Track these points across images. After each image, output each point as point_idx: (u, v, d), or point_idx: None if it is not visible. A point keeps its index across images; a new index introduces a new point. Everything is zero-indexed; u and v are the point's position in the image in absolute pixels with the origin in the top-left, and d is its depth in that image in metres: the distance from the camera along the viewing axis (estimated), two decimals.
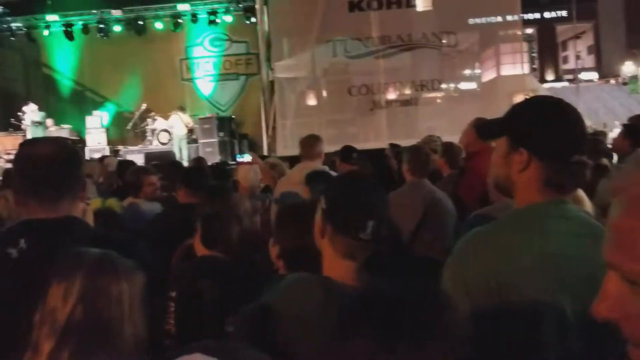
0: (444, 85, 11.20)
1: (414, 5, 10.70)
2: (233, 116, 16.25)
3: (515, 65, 11.81)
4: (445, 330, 0.98)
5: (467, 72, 11.78)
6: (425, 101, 11.04)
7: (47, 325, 1.34)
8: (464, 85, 11.76)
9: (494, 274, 1.39)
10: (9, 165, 12.78)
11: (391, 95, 10.90)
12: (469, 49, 11.63)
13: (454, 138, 5.58)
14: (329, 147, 8.61)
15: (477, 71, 11.88)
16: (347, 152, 5.65)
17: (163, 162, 8.25)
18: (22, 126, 13.43)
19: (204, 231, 2.75)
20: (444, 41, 10.96)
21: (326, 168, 4.59)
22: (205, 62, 17.42)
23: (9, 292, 1.57)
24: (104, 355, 1.32)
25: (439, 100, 11.32)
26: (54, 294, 1.36)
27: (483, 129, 1.92)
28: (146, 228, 3.78)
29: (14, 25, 16.64)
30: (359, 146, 5.98)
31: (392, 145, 6.83)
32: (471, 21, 11.47)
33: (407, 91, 10.92)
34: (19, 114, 13.45)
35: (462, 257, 1.51)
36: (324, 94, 11.40)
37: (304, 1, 10.91)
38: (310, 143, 4.58)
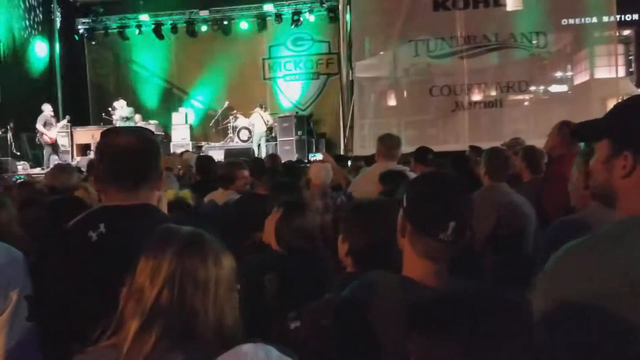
0: (532, 88, 10.69)
1: (503, 5, 10.30)
2: (311, 115, 16.37)
3: (610, 68, 11.12)
4: (523, 334, 1.00)
5: (558, 74, 11.19)
6: (511, 103, 10.59)
7: (133, 301, 1.33)
8: (554, 88, 11.18)
9: (600, 290, 1.22)
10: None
11: (475, 96, 10.53)
12: (560, 50, 11.07)
13: (542, 142, 5.28)
14: (407, 148, 8.40)
15: (569, 74, 11.26)
16: (422, 153, 5.47)
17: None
18: (113, 121, 14.07)
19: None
20: (534, 42, 10.49)
21: (407, 169, 4.45)
22: (287, 62, 17.66)
23: (88, 273, 1.63)
24: (188, 342, 1.31)
25: (526, 103, 10.82)
26: (143, 270, 1.35)
27: (581, 130, 1.74)
28: (220, 217, 3.80)
29: (107, 24, 17.53)
30: (439, 148, 5.78)
31: (473, 148, 6.57)
32: (564, 22, 10.90)
33: (492, 93, 10.51)
34: (110, 109, 14.12)
35: (560, 272, 1.34)
36: (404, 94, 11.19)
37: (387, 1, 10.76)
38: (391, 144, 4.45)
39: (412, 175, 4.12)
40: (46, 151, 13.28)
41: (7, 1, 15.34)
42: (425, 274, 1.56)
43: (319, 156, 12.53)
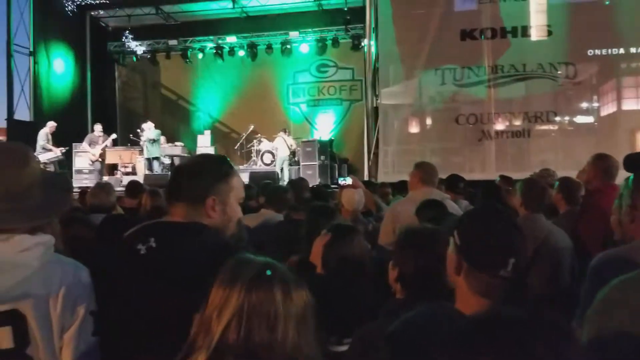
0: (559, 118, 10.64)
1: (530, 35, 10.35)
2: (334, 140, 16.48)
3: (637, 100, 11.05)
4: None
5: (585, 105, 11.13)
6: (538, 133, 10.53)
7: (203, 332, 1.33)
8: (580, 119, 11.12)
9: None
10: (127, 177, 13.67)
11: (501, 125, 10.51)
12: (586, 80, 11.03)
13: (569, 173, 5.26)
14: None
15: (595, 104, 11.21)
16: (454, 181, 5.47)
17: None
18: (140, 142, 14.29)
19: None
20: (560, 72, 10.48)
21: (447, 196, 4.43)
22: (310, 87, 17.88)
23: (134, 286, 1.67)
24: None
25: (553, 134, 10.75)
26: (213, 300, 1.35)
27: (634, 161, 1.75)
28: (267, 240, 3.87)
29: (137, 48, 17.94)
30: (465, 177, 5.77)
31: (503, 177, 6.56)
32: (590, 52, 10.89)
33: (519, 122, 10.47)
34: (138, 130, 14.35)
35: (613, 307, 1.35)
36: (429, 121, 11.20)
37: (414, 29, 10.85)
38: (432, 170, 4.43)
39: (451, 204, 4.14)
40: (95, 169, 13.66)
41: (42, 23, 15.81)
42: (479, 311, 1.51)
43: (348, 181, 12.56)
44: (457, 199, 4.90)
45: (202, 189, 1.80)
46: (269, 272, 1.36)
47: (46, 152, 12.98)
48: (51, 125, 13.27)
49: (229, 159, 2.01)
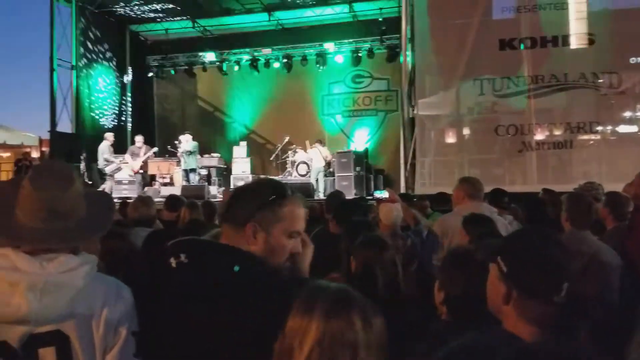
0: (600, 128, 10.36)
1: (572, 44, 10.13)
2: (370, 151, 16.42)
3: None
4: None
5: (628, 114, 10.81)
6: (580, 144, 10.25)
7: None
8: (623, 129, 10.79)
9: None
10: (165, 188, 13.88)
11: (542, 136, 10.28)
12: (630, 89, 10.71)
13: (613, 185, 5.11)
14: None
15: (639, 114, 10.89)
16: (498, 196, 5.35)
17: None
18: (177, 154, 14.50)
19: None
20: (602, 81, 10.21)
21: (494, 210, 4.32)
22: (346, 98, 17.89)
23: (164, 299, 1.67)
24: None
25: (595, 144, 10.47)
26: (292, 329, 1.34)
27: None
28: None
29: (175, 61, 18.28)
30: (505, 189, 5.64)
31: (546, 191, 6.39)
32: (632, 60, 10.59)
33: (561, 133, 10.23)
34: (176, 142, 14.56)
35: None
36: (468, 132, 11.04)
37: (451, 39, 10.73)
38: (479, 185, 4.35)
39: (500, 219, 4.03)
40: (136, 180, 13.87)
41: (83, 38, 16.25)
42: (530, 340, 1.47)
43: (384, 194, 12.47)
44: (501, 213, 4.78)
45: (245, 214, 1.73)
46: (348, 299, 1.36)
47: (110, 164, 13.57)
48: (110, 137, 13.71)
49: (287, 186, 1.83)
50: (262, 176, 15.19)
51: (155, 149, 14.69)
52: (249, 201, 1.76)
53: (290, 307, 1.43)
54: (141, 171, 14.04)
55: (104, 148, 13.70)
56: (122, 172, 14.38)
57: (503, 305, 1.51)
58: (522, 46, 10.29)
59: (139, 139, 14.27)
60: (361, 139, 17.45)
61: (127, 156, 14.05)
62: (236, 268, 1.60)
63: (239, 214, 1.74)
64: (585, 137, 10.26)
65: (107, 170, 13.60)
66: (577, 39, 10.32)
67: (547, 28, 10.32)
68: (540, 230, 1.63)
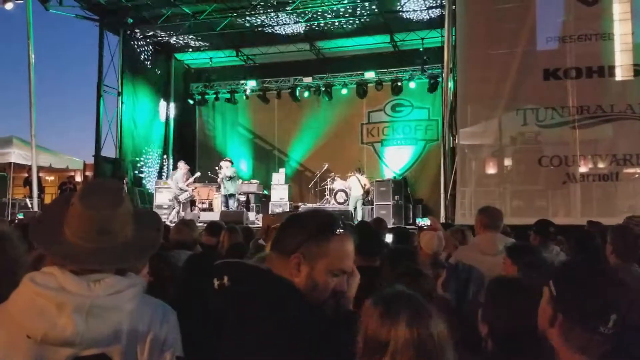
0: None
1: (618, 75, 9.91)
2: (409, 180, 16.32)
3: None
4: None
5: None
6: (627, 177, 9.92)
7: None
8: None
9: None
10: (204, 213, 14.06)
11: (586, 168, 10.01)
12: None
13: None
14: (513, 219, 8.17)
15: None
16: (544, 226, 5.22)
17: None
18: (218, 180, 14.71)
19: None
20: None
21: (510, 240, 4.27)
22: (385, 127, 17.91)
23: (203, 318, 1.67)
24: None
25: None
26: (377, 334, 1.45)
27: None
28: None
29: (218, 89, 18.70)
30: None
31: (592, 223, 6.21)
32: None
33: (606, 165, 9.95)
34: (217, 168, 14.79)
35: None
36: (510, 163, 10.84)
37: (494, 69, 10.62)
38: (496, 215, 4.31)
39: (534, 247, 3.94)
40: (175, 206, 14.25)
41: (130, 65, 16.79)
42: None
43: (426, 222, 12.35)
44: (547, 243, 4.67)
45: (292, 243, 1.67)
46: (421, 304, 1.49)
47: (184, 193, 14.13)
48: (183, 165, 14.36)
49: (341, 221, 1.74)
50: (318, 206, 15.25)
51: (198, 174, 14.95)
52: (299, 231, 1.70)
53: (324, 345, 1.48)
54: (181, 193, 14.31)
55: (179, 177, 14.22)
56: (162, 196, 14.68)
57: (549, 328, 1.52)
58: (566, 76, 10.10)
59: (182, 164, 14.56)
60: (400, 168, 17.39)
61: (169, 181, 14.38)
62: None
63: (287, 242, 1.69)
64: (632, 170, 9.93)
65: (181, 198, 14.18)
66: (622, 70, 10.09)
67: (593, 58, 10.14)
68: (595, 261, 1.62)
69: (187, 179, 14.31)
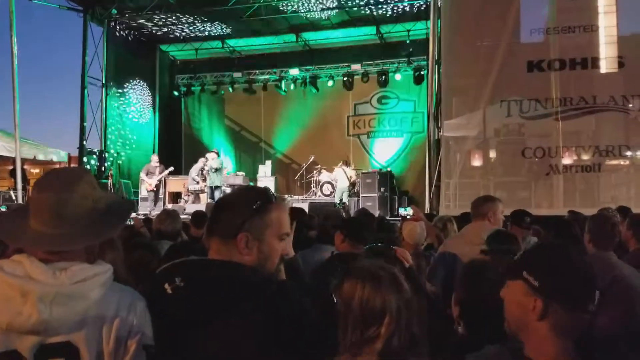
0: (630, 153, 10.14)
1: (601, 67, 9.99)
2: (394, 172, 16.37)
3: None
4: None
5: None
6: (609, 168, 10.03)
7: (363, 329, 1.67)
8: None
9: None
10: (191, 205, 14.02)
11: (570, 160, 10.10)
12: None
13: None
14: None
15: None
16: (520, 216, 5.27)
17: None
18: (204, 172, 14.65)
19: None
20: (631, 105, 10.03)
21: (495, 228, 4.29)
22: (371, 119, 17.92)
23: (160, 326, 1.61)
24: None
25: (624, 169, 10.23)
26: (369, 300, 1.67)
27: None
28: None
29: (203, 80, 18.59)
30: (531, 212, 5.55)
31: (572, 213, 6.28)
32: None
33: (589, 156, 10.03)
34: (203, 159, 14.72)
35: None
36: (494, 154, 10.90)
37: (479, 61, 10.65)
38: (479, 203, 4.35)
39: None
40: (149, 198, 14.16)
41: (114, 57, 16.64)
42: (561, 354, 1.43)
43: (409, 211, 12.41)
44: (524, 235, 4.70)
45: (233, 225, 1.68)
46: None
47: (195, 184, 14.57)
48: (202, 159, 14.56)
49: (270, 191, 1.83)
50: (304, 198, 15.30)
51: (171, 168, 14.88)
52: (236, 212, 1.71)
53: (288, 310, 1.56)
54: (154, 190, 14.26)
55: (196, 168, 14.72)
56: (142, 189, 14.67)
57: (534, 322, 1.45)
58: (550, 68, 10.15)
59: (154, 158, 14.60)
60: (386, 160, 17.44)
61: (142, 174, 14.37)
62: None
63: (227, 226, 1.70)
64: (614, 161, 10.03)
65: (190, 188, 14.60)
66: (607, 62, 10.15)
67: (577, 50, 10.21)
68: (559, 243, 1.62)
69: (161, 172, 14.28)
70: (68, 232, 1.54)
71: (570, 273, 1.44)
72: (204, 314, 1.58)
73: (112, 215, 1.65)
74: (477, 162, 10.99)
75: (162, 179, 14.52)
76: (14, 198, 14.21)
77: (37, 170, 20.52)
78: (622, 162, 10.10)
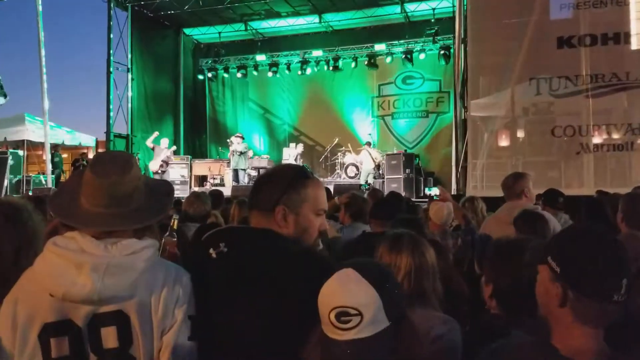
0: None
1: (631, 43, 9.69)
2: (419, 154, 16.23)
3: None
4: None
5: None
6: None
7: None
8: None
9: None
10: (216, 187, 14.10)
11: (600, 138, 9.86)
12: None
13: None
14: None
15: None
16: (552, 196, 5.17)
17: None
18: (228, 154, 14.72)
19: None
20: None
21: (538, 208, 4.22)
22: (396, 100, 17.76)
23: (206, 290, 1.71)
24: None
25: None
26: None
27: None
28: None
29: (227, 64, 18.59)
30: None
31: (601, 193, 6.15)
32: None
33: (620, 135, 9.77)
34: (228, 141, 14.76)
35: None
36: (522, 134, 10.69)
37: (507, 39, 10.42)
38: (508, 183, 4.27)
39: (550, 218, 3.91)
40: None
41: (139, 41, 16.75)
42: (585, 343, 1.37)
43: (435, 191, 12.31)
44: (556, 213, 4.61)
45: (272, 198, 1.78)
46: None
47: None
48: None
49: (310, 169, 1.96)
50: (330, 180, 15.29)
51: (174, 148, 14.87)
52: (275, 186, 1.80)
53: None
54: (159, 171, 14.14)
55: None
56: (174, 172, 14.71)
57: (557, 309, 1.40)
58: (580, 44, 9.87)
59: (164, 141, 14.45)
60: (412, 141, 17.29)
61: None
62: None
63: (266, 199, 1.79)
64: None
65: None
66: (638, 38, 9.85)
67: (608, 25, 9.90)
68: (591, 227, 1.52)
69: (166, 154, 14.22)
70: (125, 211, 1.65)
71: (594, 261, 1.36)
72: (245, 279, 1.67)
73: (162, 195, 1.78)
74: (504, 142, 10.82)
75: (167, 159, 14.41)
76: (43, 183, 14.49)
77: (65, 155, 20.88)
78: None
